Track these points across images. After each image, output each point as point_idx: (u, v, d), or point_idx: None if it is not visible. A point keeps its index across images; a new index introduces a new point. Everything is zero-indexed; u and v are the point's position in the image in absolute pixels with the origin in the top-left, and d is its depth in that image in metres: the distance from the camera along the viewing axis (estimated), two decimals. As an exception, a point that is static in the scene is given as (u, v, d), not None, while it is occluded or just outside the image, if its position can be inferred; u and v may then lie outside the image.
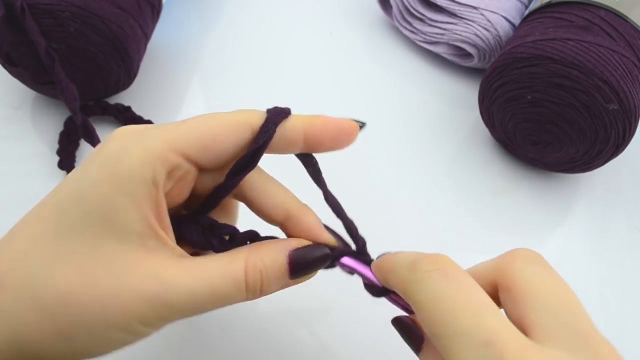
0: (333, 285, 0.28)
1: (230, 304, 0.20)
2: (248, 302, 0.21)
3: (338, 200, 0.23)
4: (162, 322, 0.19)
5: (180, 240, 0.21)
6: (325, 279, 0.26)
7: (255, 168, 0.21)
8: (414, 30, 0.46)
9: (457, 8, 0.43)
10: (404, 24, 0.46)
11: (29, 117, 0.37)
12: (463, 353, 0.16)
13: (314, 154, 0.23)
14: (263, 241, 0.22)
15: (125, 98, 0.39)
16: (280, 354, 0.30)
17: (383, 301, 0.23)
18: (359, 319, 0.31)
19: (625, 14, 0.34)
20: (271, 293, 0.21)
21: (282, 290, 0.22)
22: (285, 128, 0.21)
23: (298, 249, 0.21)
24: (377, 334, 0.29)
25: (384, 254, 0.22)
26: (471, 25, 0.43)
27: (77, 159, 0.36)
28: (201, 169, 0.21)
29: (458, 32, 0.43)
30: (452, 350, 0.17)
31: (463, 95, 0.45)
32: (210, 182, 0.22)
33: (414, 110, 0.43)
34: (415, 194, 0.39)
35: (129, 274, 0.18)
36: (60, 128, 0.36)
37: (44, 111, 0.38)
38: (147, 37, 0.37)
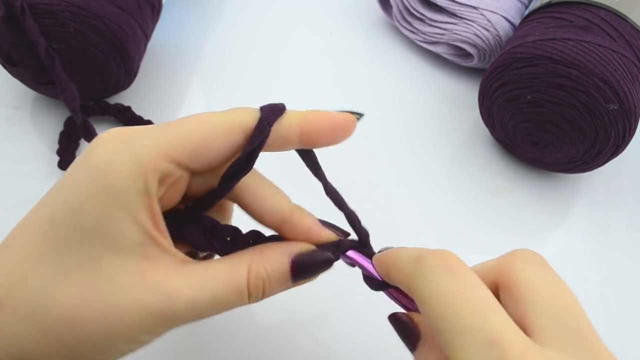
0: (333, 285, 0.28)
1: (231, 309, 0.20)
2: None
3: (339, 192, 0.23)
4: (164, 330, 0.19)
5: (180, 240, 0.21)
6: (326, 280, 0.25)
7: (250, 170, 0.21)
8: (414, 30, 0.46)
9: (457, 8, 0.43)
10: (404, 24, 0.46)
11: (29, 117, 0.37)
12: (466, 351, 0.16)
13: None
14: (265, 244, 0.22)
15: (125, 98, 0.39)
16: (280, 355, 0.30)
17: (382, 303, 0.23)
18: (358, 321, 0.31)
19: (625, 14, 0.34)
20: (272, 295, 0.21)
21: (281, 293, 0.22)
22: (280, 126, 0.20)
23: (301, 253, 0.21)
24: (376, 337, 0.29)
25: (386, 248, 0.22)
26: (471, 25, 0.43)
27: (77, 159, 0.36)
28: (194, 172, 0.20)
29: (458, 32, 0.43)
30: (454, 347, 0.17)
31: (463, 95, 0.45)
32: (203, 183, 0.21)
33: (414, 110, 0.43)
34: (415, 194, 0.39)
35: (131, 287, 0.18)
36: (60, 128, 0.36)
37: (44, 111, 0.38)
38: (147, 37, 0.37)
